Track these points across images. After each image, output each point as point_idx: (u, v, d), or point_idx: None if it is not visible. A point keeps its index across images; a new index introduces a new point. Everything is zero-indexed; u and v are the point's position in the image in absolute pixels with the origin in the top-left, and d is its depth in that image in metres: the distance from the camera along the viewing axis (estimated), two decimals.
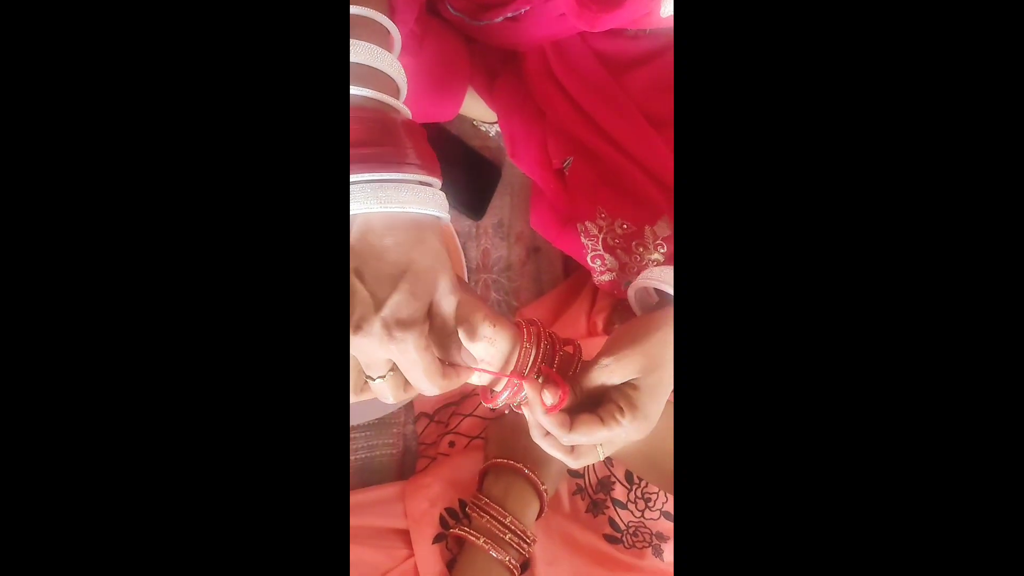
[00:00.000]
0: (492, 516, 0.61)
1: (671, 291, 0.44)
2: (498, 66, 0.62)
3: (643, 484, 0.73)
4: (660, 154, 0.54)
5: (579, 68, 0.55)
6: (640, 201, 0.55)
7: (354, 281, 0.34)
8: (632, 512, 0.72)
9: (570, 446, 0.42)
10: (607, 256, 0.57)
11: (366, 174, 0.34)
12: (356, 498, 0.67)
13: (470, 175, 0.70)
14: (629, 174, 0.55)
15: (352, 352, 0.36)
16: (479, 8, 0.53)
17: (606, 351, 0.42)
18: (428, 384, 0.37)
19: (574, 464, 0.43)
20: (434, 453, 0.72)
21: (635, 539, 0.71)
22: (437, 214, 0.37)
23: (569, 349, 0.43)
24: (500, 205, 0.74)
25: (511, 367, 0.41)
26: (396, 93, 0.39)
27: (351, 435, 0.70)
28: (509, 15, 0.52)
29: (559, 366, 0.42)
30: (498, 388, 0.42)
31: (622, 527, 0.71)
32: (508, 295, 0.75)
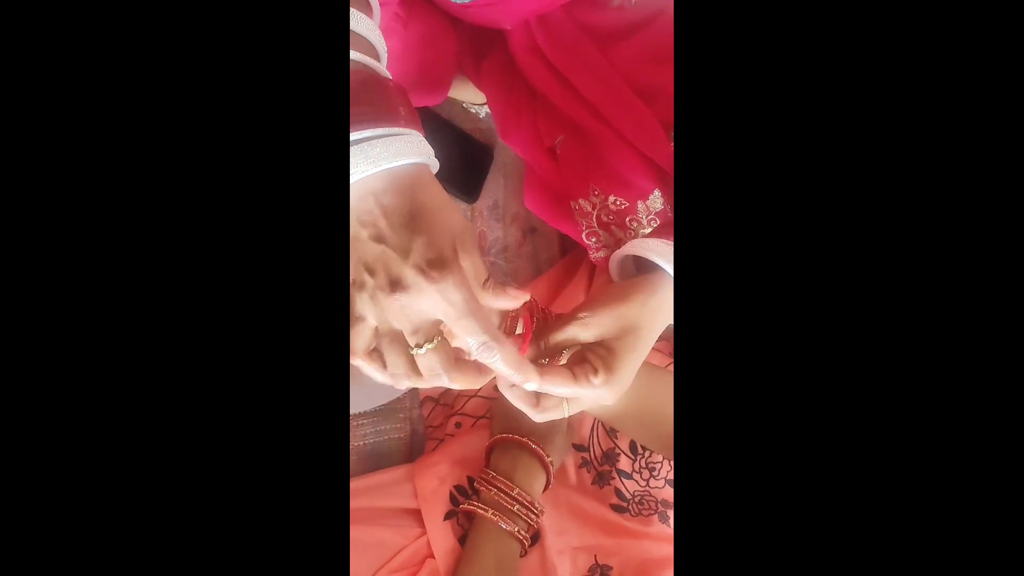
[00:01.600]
0: (500, 489, 0.62)
1: (654, 259, 0.44)
2: (485, 47, 0.62)
3: (647, 454, 0.75)
4: (650, 128, 0.54)
5: (565, 42, 0.55)
6: (632, 176, 0.56)
7: (374, 246, 0.34)
8: (637, 482, 0.74)
9: (535, 398, 0.41)
10: (602, 232, 0.58)
11: (354, 134, 0.34)
12: (367, 481, 0.69)
13: (462, 158, 0.70)
14: (620, 150, 0.55)
15: (396, 320, 0.35)
16: None
17: (583, 307, 0.42)
18: (477, 328, 0.34)
19: (538, 417, 0.42)
20: (441, 435, 0.73)
21: (641, 507, 0.73)
22: (427, 162, 0.36)
23: (551, 312, 0.44)
24: (494, 187, 0.74)
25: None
26: (377, 57, 0.39)
27: (358, 422, 0.71)
28: None
29: (538, 324, 0.42)
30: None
31: (628, 496, 0.73)
32: (506, 276, 0.76)
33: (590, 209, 0.58)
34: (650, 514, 0.72)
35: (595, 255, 0.61)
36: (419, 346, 0.35)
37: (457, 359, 0.37)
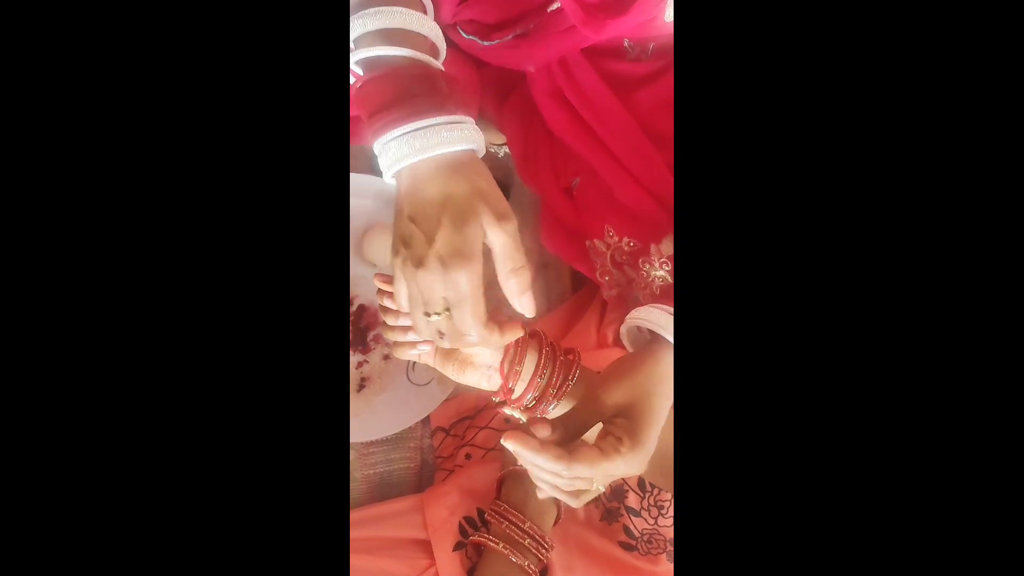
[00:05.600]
0: (512, 522, 0.63)
1: (660, 332, 0.47)
2: (507, 90, 0.65)
3: (655, 492, 0.75)
4: (661, 174, 0.56)
5: (586, 87, 0.58)
6: (645, 220, 0.57)
7: (408, 224, 0.39)
8: (646, 520, 0.74)
9: (572, 487, 0.43)
10: (615, 271, 0.59)
11: (400, 127, 0.39)
12: (376, 510, 0.69)
13: None
14: (634, 193, 0.57)
15: (415, 288, 0.40)
16: (490, 28, 0.56)
17: (599, 386, 0.44)
18: (475, 326, 0.40)
19: (576, 504, 0.44)
20: (451, 466, 0.74)
21: (650, 546, 0.73)
22: (470, 147, 0.41)
23: (570, 357, 0.46)
24: None
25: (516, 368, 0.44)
26: (435, 52, 0.44)
27: (369, 451, 0.72)
28: (519, 32, 0.55)
29: (559, 372, 0.46)
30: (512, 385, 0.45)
31: (636, 534, 0.73)
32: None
33: (604, 249, 0.60)
34: (659, 553, 0.72)
35: (608, 293, 0.62)
36: (435, 314, 0.40)
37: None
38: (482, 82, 0.65)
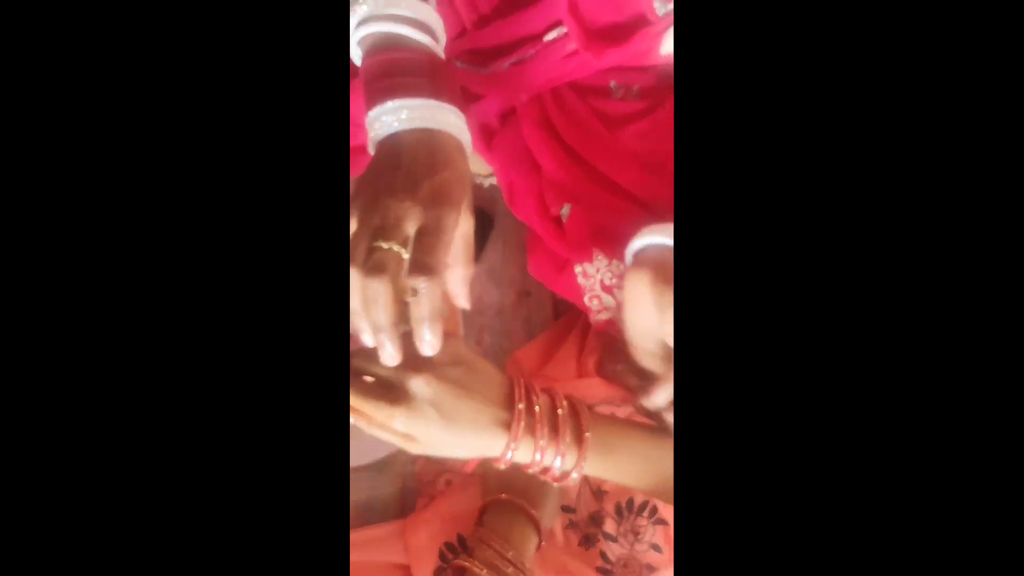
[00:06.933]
0: (496, 550, 0.63)
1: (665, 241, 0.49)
2: (496, 124, 0.67)
3: (631, 518, 0.77)
4: (662, 196, 0.60)
5: (576, 119, 0.61)
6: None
7: (405, 165, 0.39)
8: (622, 545, 0.75)
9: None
10: (604, 296, 0.62)
11: (419, 99, 0.41)
12: (358, 536, 0.68)
13: None
14: (628, 216, 0.60)
15: (378, 215, 0.38)
16: (487, 56, 0.59)
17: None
18: (434, 264, 0.37)
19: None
20: (432, 491, 0.74)
21: (626, 570, 0.74)
22: (466, 140, 0.43)
23: (559, 401, 0.47)
24: (493, 252, 0.78)
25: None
26: (438, 40, 0.46)
27: (355, 476, 0.71)
28: (515, 59, 0.58)
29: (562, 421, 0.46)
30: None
31: (613, 559, 0.74)
32: (499, 337, 0.79)
33: (594, 273, 0.63)
34: None
35: (596, 317, 0.65)
36: (382, 241, 0.37)
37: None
38: (470, 117, 0.68)
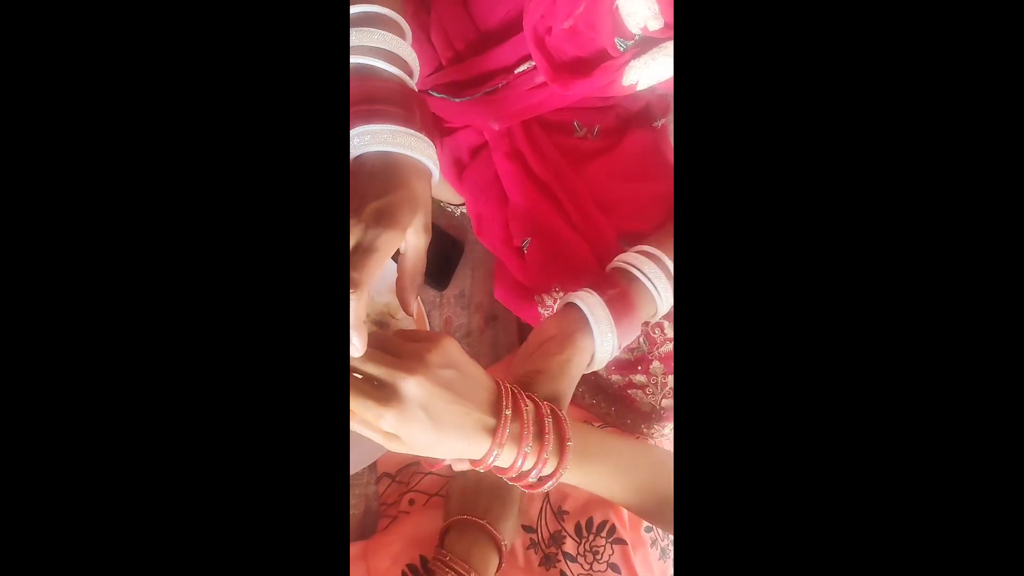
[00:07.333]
0: (456, 571, 0.64)
1: (638, 275, 0.54)
2: (467, 158, 0.70)
3: (590, 538, 0.79)
4: (605, 236, 0.63)
5: (543, 152, 0.65)
6: (590, 276, 0.63)
7: (361, 187, 0.43)
8: (581, 565, 0.77)
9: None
10: None
11: (385, 124, 0.44)
12: None
13: (437, 250, 0.77)
14: (580, 252, 0.63)
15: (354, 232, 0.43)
16: (461, 87, 0.62)
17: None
18: (356, 279, 0.40)
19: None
20: (395, 512, 0.75)
21: None
22: (432, 168, 0.47)
23: (544, 408, 0.48)
24: (462, 277, 0.81)
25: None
26: (411, 74, 0.50)
27: None
28: (488, 90, 0.61)
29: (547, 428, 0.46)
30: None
31: None
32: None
33: (551, 303, 0.65)
34: None
35: None
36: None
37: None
38: (443, 149, 0.71)
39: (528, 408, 0.47)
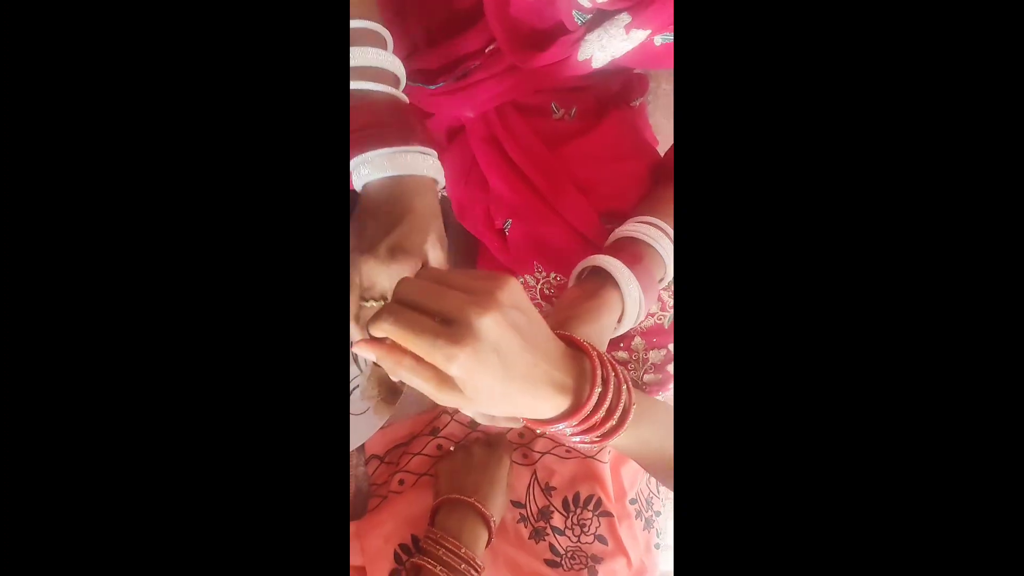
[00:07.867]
0: (448, 548, 0.66)
1: (653, 244, 0.55)
2: (445, 142, 0.70)
3: (578, 511, 0.81)
4: (588, 215, 0.64)
5: (519, 137, 0.65)
6: (570, 256, 0.64)
7: (371, 222, 0.46)
8: (569, 537, 0.79)
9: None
10: (544, 304, 0.66)
11: (381, 148, 0.46)
12: None
13: None
14: (561, 232, 0.64)
15: (359, 276, 0.46)
16: (435, 74, 0.63)
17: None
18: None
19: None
20: (385, 492, 0.76)
21: (573, 562, 0.78)
22: (435, 177, 0.48)
23: (624, 376, 0.42)
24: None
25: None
26: (397, 83, 0.51)
27: None
28: (460, 73, 0.61)
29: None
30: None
31: (561, 551, 0.78)
32: None
33: (533, 283, 0.66)
34: (580, 568, 0.78)
35: None
36: (366, 300, 0.47)
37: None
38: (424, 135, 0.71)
39: (618, 372, 0.41)
